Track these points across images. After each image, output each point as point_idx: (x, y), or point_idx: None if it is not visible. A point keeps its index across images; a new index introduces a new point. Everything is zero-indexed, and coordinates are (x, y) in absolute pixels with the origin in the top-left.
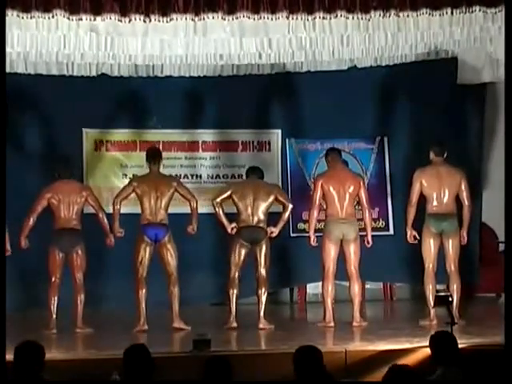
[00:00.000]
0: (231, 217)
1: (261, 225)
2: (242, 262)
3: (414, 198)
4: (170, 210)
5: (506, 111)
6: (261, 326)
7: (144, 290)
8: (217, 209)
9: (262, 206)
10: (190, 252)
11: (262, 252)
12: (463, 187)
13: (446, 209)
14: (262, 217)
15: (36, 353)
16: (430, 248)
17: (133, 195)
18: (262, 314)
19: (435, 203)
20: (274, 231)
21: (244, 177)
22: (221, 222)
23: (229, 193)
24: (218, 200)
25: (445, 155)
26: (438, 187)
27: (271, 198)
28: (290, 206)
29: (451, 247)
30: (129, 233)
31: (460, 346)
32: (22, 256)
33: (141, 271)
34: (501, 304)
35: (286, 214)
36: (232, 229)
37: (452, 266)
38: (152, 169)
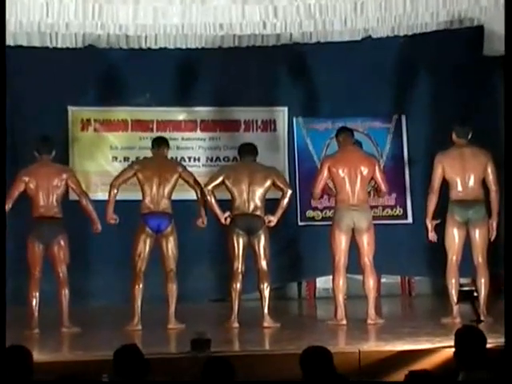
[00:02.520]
0: (226, 204)
1: (257, 212)
2: (242, 253)
3: (436, 184)
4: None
5: (505, 113)
6: (265, 324)
7: (141, 286)
8: (208, 197)
9: (259, 192)
10: (187, 243)
11: (261, 243)
12: (490, 171)
13: (472, 195)
14: (258, 203)
15: (23, 359)
16: (453, 238)
17: (132, 180)
18: (266, 310)
19: (459, 189)
20: (272, 220)
21: (237, 156)
22: (213, 212)
23: (221, 178)
24: (210, 187)
25: (469, 136)
26: (462, 171)
27: (268, 183)
28: (289, 192)
29: (478, 237)
30: (120, 221)
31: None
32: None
33: (139, 265)
34: None
35: (285, 201)
36: (225, 218)
37: (480, 257)
38: (156, 153)
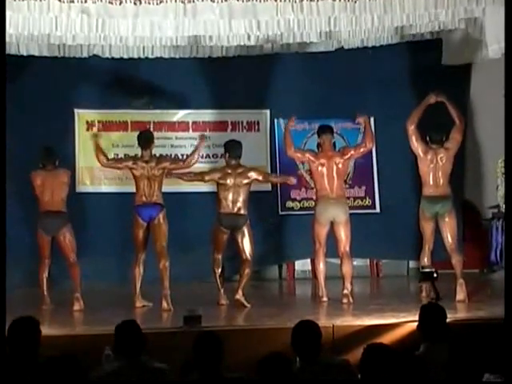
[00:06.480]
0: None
1: (242, 212)
2: (222, 246)
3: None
4: (165, 189)
5: (506, 110)
6: (237, 296)
7: (139, 269)
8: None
9: (243, 194)
10: (183, 230)
11: (245, 237)
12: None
13: (440, 191)
14: (242, 204)
15: (32, 328)
16: (426, 230)
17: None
18: (241, 285)
19: (430, 186)
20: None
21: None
22: None
23: (217, 176)
24: (206, 178)
25: (443, 139)
26: (434, 170)
27: (250, 182)
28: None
29: (447, 227)
30: (120, 211)
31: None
32: (20, 239)
33: (139, 251)
34: (484, 280)
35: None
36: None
37: (450, 241)
38: (144, 154)
